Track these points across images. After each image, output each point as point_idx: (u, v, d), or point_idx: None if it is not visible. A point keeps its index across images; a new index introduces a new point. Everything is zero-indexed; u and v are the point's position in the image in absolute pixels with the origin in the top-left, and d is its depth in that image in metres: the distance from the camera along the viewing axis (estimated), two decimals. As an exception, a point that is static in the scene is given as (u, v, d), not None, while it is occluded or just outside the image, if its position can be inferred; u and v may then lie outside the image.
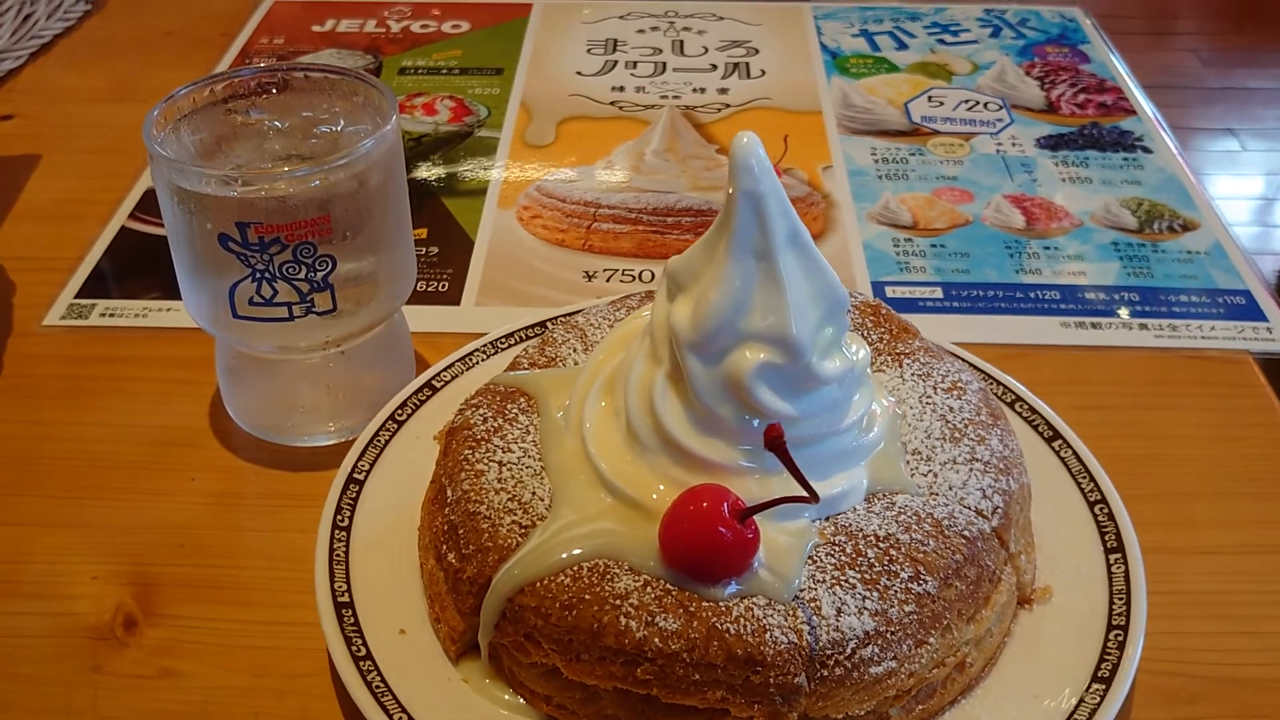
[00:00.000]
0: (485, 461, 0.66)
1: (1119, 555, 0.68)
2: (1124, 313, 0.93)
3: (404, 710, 0.60)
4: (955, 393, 0.70)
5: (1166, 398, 0.86)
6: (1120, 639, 0.63)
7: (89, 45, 1.34)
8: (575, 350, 0.73)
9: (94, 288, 0.96)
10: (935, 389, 0.70)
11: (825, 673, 0.57)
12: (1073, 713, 0.60)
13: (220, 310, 0.73)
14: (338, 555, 0.68)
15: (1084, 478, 0.72)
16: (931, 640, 0.60)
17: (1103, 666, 0.62)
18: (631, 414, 0.63)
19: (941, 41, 1.34)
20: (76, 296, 0.95)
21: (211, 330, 0.76)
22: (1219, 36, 3.79)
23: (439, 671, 0.63)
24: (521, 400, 0.69)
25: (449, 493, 0.65)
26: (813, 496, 0.56)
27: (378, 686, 0.61)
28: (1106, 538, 0.69)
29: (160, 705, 0.65)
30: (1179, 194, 1.07)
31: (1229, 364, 0.88)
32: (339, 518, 0.70)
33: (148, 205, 1.06)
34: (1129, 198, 1.07)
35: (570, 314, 0.82)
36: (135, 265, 0.98)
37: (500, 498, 0.63)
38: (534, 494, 0.63)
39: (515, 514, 0.62)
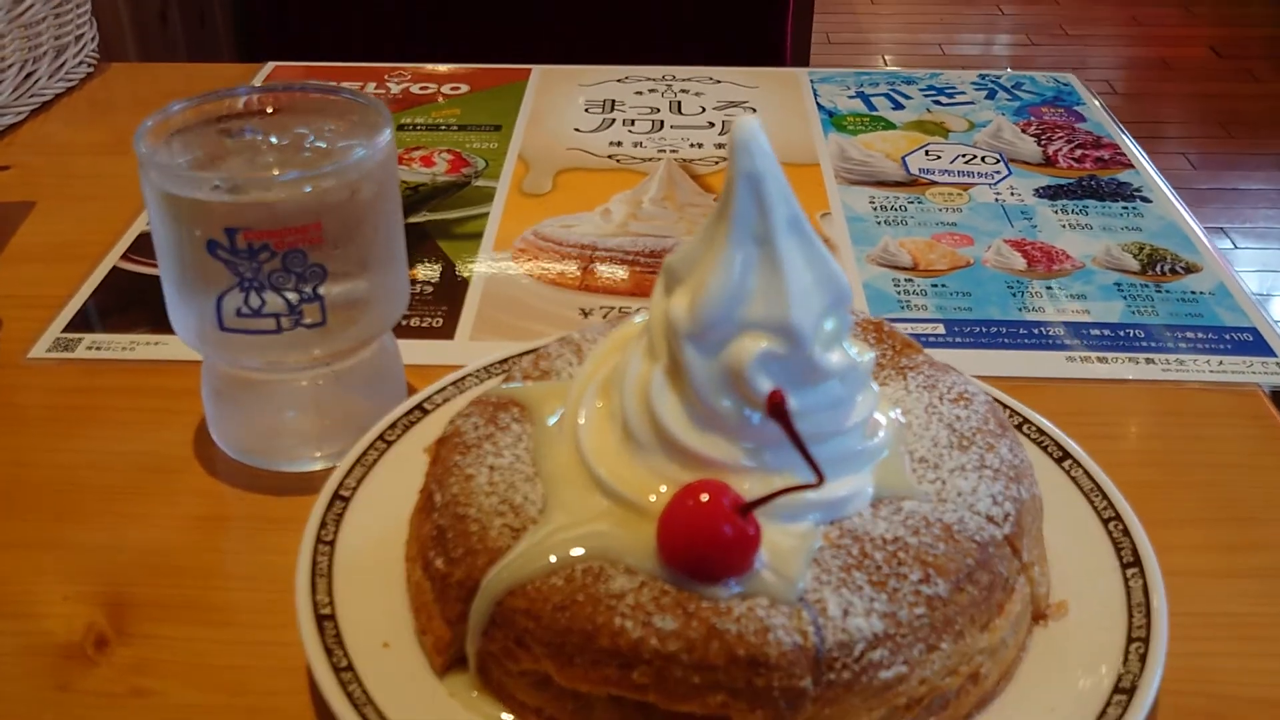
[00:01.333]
0: (475, 466, 0.63)
1: (1136, 569, 0.65)
2: (1129, 350, 0.91)
3: (386, 720, 0.57)
4: (962, 402, 0.68)
5: (1177, 427, 0.83)
6: (1142, 651, 0.60)
7: (89, 104, 1.35)
8: (570, 364, 0.71)
9: (82, 323, 0.94)
10: (941, 399, 0.68)
11: (832, 676, 0.54)
12: (1095, 723, 0.57)
13: (207, 324, 0.71)
14: (320, 568, 0.65)
15: (1096, 496, 0.70)
16: (944, 646, 0.57)
17: (1124, 679, 0.59)
18: (628, 413, 0.61)
19: (937, 102, 1.35)
20: (64, 331, 0.93)
21: (198, 347, 0.74)
22: (1207, 140, 3.86)
23: (424, 685, 0.60)
24: (515, 410, 0.67)
25: (437, 498, 0.63)
26: (818, 476, 0.54)
27: (358, 697, 0.58)
28: (1122, 553, 0.66)
29: (129, 724, 0.61)
30: (1180, 239, 1.07)
31: (1240, 396, 0.86)
32: (323, 532, 0.67)
33: (140, 247, 1.05)
34: (1130, 242, 1.06)
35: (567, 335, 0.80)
36: (125, 302, 0.97)
37: (491, 500, 0.61)
38: (526, 498, 0.61)
39: (506, 516, 0.60)
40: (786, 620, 0.55)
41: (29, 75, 1.30)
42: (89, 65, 1.40)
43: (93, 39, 1.41)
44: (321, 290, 0.71)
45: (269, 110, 0.77)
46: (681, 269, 0.60)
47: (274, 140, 0.75)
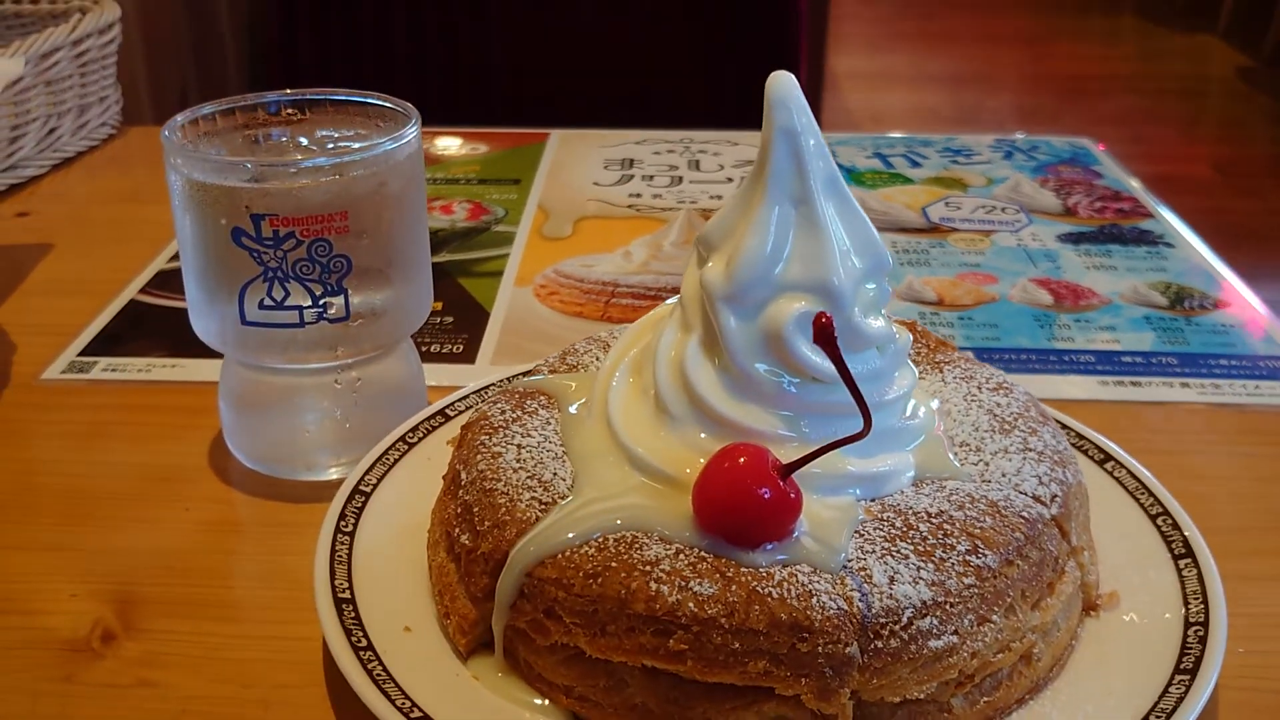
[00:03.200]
0: (503, 445, 0.61)
1: (1189, 560, 0.62)
2: (1163, 375, 0.89)
3: (408, 698, 0.53)
4: (1002, 391, 0.66)
5: (1217, 445, 0.81)
6: (1201, 634, 0.57)
7: (108, 162, 1.35)
8: (598, 359, 0.70)
9: (98, 349, 0.93)
10: (980, 389, 0.66)
11: (879, 644, 0.51)
12: (1157, 703, 0.53)
13: (229, 319, 0.70)
14: (339, 556, 0.62)
15: (1142, 494, 0.68)
16: (995, 619, 0.54)
17: (1185, 659, 0.56)
18: (661, 385, 0.59)
19: (955, 162, 1.35)
20: (79, 355, 0.92)
21: (219, 346, 0.73)
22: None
23: (446, 668, 0.57)
24: (541, 398, 0.65)
25: (463, 476, 0.61)
26: (866, 420, 0.52)
27: (379, 675, 0.55)
28: (1173, 545, 0.64)
29: (133, 713, 0.58)
30: (1206, 279, 1.06)
31: (1278, 416, 0.84)
32: (342, 523, 0.65)
33: (159, 282, 1.04)
34: (1156, 281, 1.05)
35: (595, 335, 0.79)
36: (142, 331, 0.96)
37: (519, 476, 0.59)
38: (555, 474, 0.59)
39: (535, 491, 0.58)
40: (830, 586, 0.52)
41: (52, 130, 1.31)
42: (111, 128, 1.42)
43: (116, 102, 1.43)
44: (346, 283, 0.70)
45: (297, 117, 0.77)
46: (716, 236, 0.58)
47: (302, 141, 0.75)
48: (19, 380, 0.88)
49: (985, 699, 0.54)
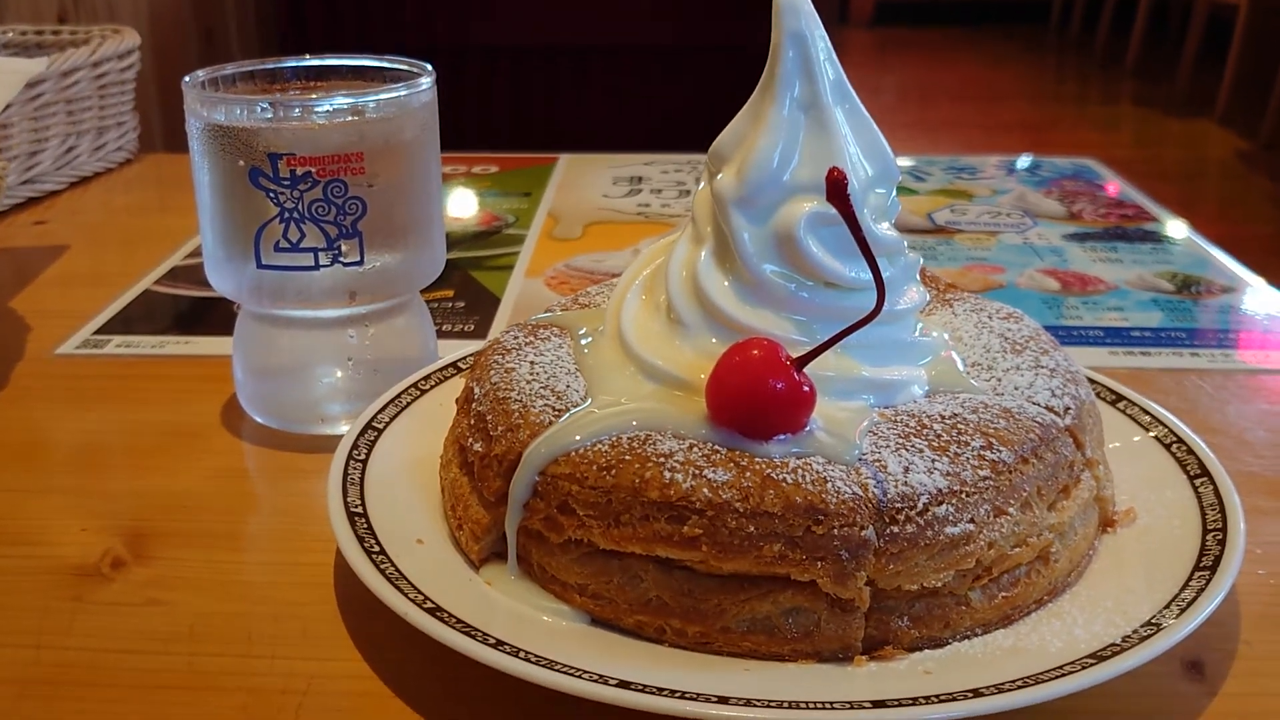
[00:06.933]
0: (517, 362, 0.61)
1: (1205, 479, 0.62)
2: (1173, 346, 0.89)
3: (421, 592, 0.53)
4: (1013, 320, 0.66)
5: (1230, 403, 0.81)
6: (1220, 538, 0.57)
7: (125, 184, 1.37)
8: (609, 299, 0.70)
9: (113, 329, 0.94)
10: (991, 317, 0.67)
11: (895, 529, 0.51)
12: (1177, 594, 0.53)
13: (245, 265, 0.71)
14: (352, 479, 0.62)
15: (1155, 427, 0.67)
16: (1011, 511, 0.53)
17: (1204, 558, 0.55)
18: (673, 296, 0.59)
19: (959, 178, 1.37)
20: (94, 333, 0.92)
21: (234, 294, 0.73)
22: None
23: (460, 575, 0.57)
24: (554, 329, 0.66)
25: (476, 390, 0.61)
26: (880, 291, 0.52)
27: (392, 574, 0.54)
28: (1188, 467, 0.63)
29: (142, 628, 0.58)
30: (1215, 270, 1.06)
31: (1291, 380, 0.84)
32: (355, 452, 0.65)
33: (175, 274, 1.05)
34: (1163, 271, 1.05)
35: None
36: (156, 314, 0.97)
37: (533, 386, 0.59)
38: (569, 386, 0.59)
39: (548, 399, 0.58)
40: (845, 474, 0.52)
41: (70, 149, 1.34)
42: (128, 153, 1.44)
43: (134, 129, 1.45)
44: (360, 226, 0.70)
45: (315, 83, 0.78)
46: (727, 148, 0.59)
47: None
48: (33, 354, 0.89)
49: (1003, 594, 0.54)
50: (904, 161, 1.42)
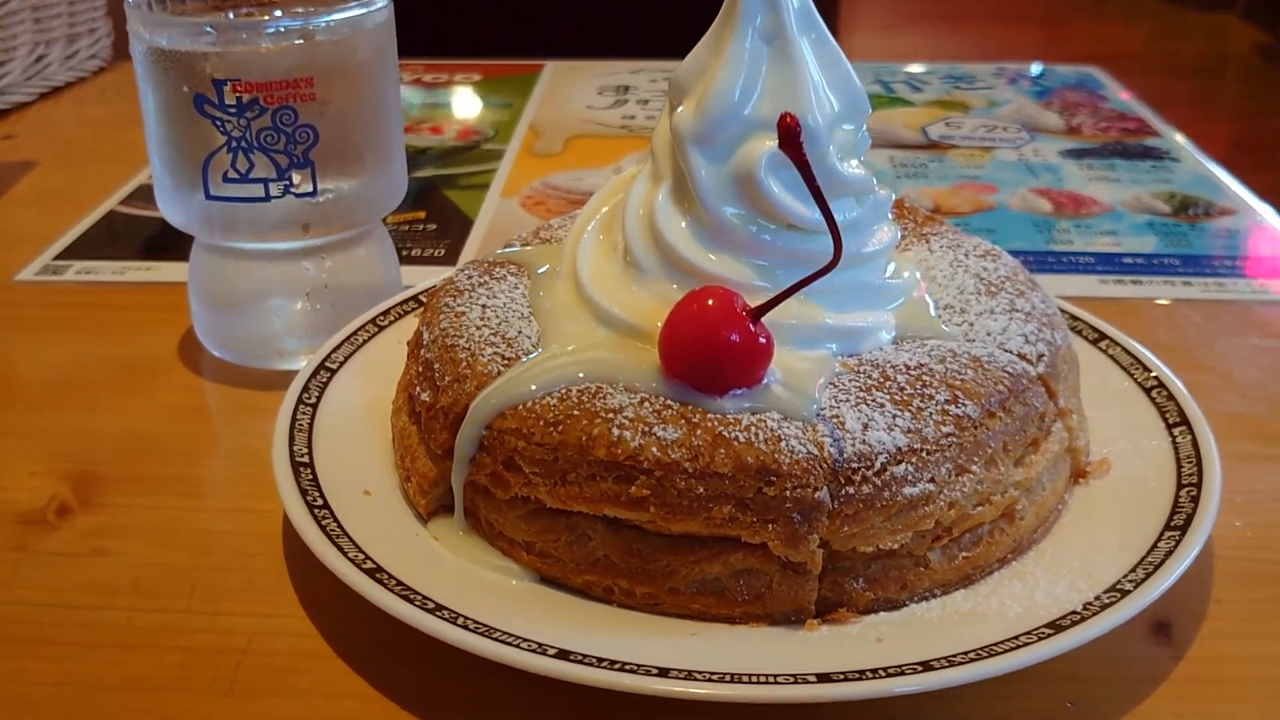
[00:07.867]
0: (468, 305, 0.59)
1: (1183, 427, 0.60)
2: (1165, 275, 0.86)
3: (361, 551, 0.51)
4: (989, 257, 0.64)
5: (1219, 338, 0.78)
6: (1194, 495, 0.54)
7: (98, 94, 1.33)
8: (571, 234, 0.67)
9: (74, 253, 0.91)
10: (968, 255, 0.64)
11: (851, 490, 0.49)
12: (1144, 556, 0.51)
13: (193, 195, 0.68)
14: (300, 425, 0.60)
15: (1136, 369, 0.65)
16: (974, 469, 0.51)
17: (1176, 517, 0.53)
18: (630, 237, 0.56)
19: (957, 88, 1.32)
20: (54, 259, 0.90)
21: (185, 225, 0.71)
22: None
23: (406, 529, 0.55)
24: (511, 267, 0.63)
25: (425, 335, 0.59)
26: (836, 243, 0.49)
27: (333, 530, 0.53)
28: (1168, 415, 0.61)
29: (85, 579, 0.56)
30: (1212, 189, 1.03)
31: (1283, 311, 0.81)
32: (305, 395, 0.63)
33: (140, 194, 1.02)
34: (1160, 191, 1.02)
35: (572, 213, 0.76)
36: (119, 238, 0.94)
37: (482, 333, 0.56)
38: (520, 332, 0.57)
39: (497, 346, 0.55)
40: (800, 432, 0.50)
41: (40, 59, 1.30)
42: (101, 61, 1.40)
43: (107, 35, 1.41)
44: (312, 155, 0.67)
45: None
46: (686, 79, 0.56)
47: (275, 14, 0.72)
48: (-8, 281, 0.87)
49: (964, 554, 0.52)
50: (901, 72, 1.38)
